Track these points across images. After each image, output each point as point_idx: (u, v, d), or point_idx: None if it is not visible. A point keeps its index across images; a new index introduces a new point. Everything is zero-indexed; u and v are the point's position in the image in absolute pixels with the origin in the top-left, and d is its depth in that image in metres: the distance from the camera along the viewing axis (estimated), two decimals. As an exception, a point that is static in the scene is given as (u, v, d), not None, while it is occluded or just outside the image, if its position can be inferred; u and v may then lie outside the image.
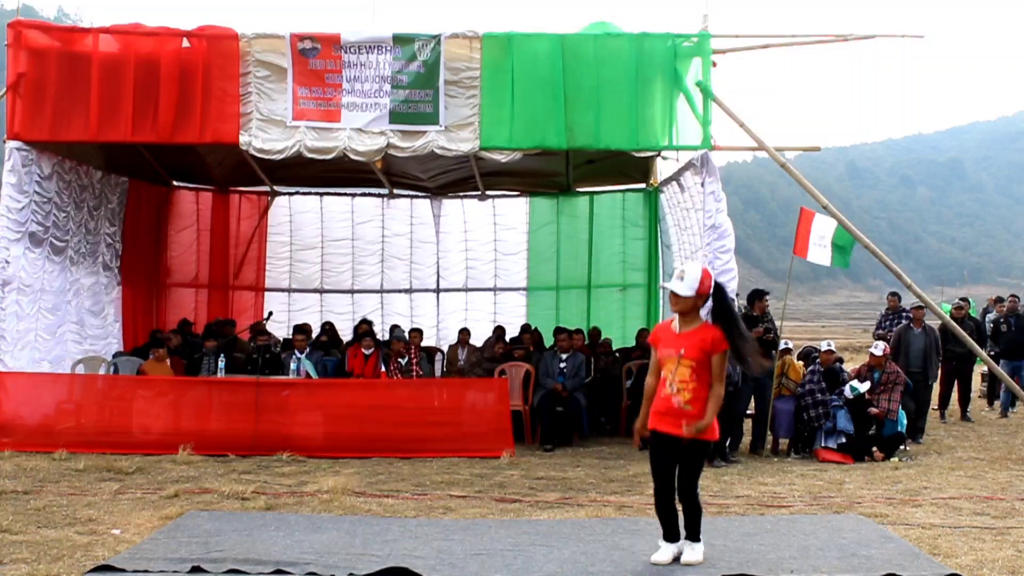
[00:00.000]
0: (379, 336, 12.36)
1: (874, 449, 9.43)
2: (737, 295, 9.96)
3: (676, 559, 5.19)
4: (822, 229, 10.16)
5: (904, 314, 12.62)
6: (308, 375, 10.21)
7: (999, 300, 14.58)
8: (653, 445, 5.15)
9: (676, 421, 5.02)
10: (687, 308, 5.06)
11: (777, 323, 11.15)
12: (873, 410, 9.60)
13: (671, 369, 5.03)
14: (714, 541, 5.75)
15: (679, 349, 5.01)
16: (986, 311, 16.66)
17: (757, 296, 9.84)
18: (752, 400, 10.12)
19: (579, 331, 11.76)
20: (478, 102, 9.62)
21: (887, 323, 12.82)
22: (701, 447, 5.10)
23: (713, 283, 5.07)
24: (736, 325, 5.01)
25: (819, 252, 10.17)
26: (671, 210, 12.06)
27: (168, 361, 10.48)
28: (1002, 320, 13.55)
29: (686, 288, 5.00)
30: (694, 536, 5.22)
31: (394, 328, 12.52)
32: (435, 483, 7.83)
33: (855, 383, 9.76)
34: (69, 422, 9.19)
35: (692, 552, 5.20)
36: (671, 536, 5.23)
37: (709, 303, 5.08)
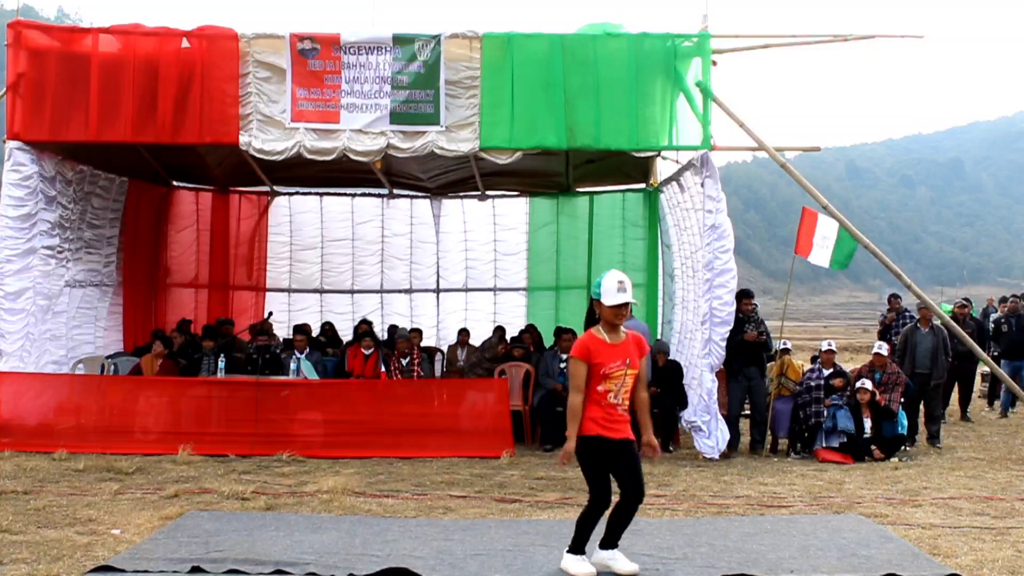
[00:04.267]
0: (378, 336, 12.36)
1: (874, 448, 9.42)
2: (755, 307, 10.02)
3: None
4: (826, 230, 10.15)
5: (907, 314, 12.60)
6: (306, 377, 10.21)
7: (1004, 300, 14.57)
8: (598, 454, 4.94)
9: (625, 427, 5.00)
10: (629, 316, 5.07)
11: (777, 323, 11.17)
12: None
13: (617, 381, 4.95)
14: (714, 541, 5.76)
15: (625, 360, 4.96)
16: (986, 311, 16.66)
17: (743, 296, 9.83)
18: (746, 400, 10.13)
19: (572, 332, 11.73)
20: (478, 102, 9.62)
21: (898, 328, 12.51)
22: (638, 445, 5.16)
23: None
24: None
25: (821, 253, 10.17)
26: (671, 210, 12.05)
27: (159, 362, 10.44)
28: (1003, 320, 13.54)
29: (632, 296, 4.99)
30: (615, 542, 5.11)
31: (393, 329, 12.51)
32: (435, 483, 7.83)
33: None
34: (69, 422, 9.19)
35: (625, 561, 5.06)
36: (584, 549, 5.06)
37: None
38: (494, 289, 14.63)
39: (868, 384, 9.67)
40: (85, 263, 11.15)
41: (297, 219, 14.52)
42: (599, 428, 4.94)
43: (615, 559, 5.06)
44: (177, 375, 10.55)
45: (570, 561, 5.04)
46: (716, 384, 9.61)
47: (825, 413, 9.61)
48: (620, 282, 4.96)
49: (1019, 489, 7.82)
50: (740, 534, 5.97)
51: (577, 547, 5.05)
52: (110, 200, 11.74)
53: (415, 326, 13.11)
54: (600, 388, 4.96)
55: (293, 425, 9.27)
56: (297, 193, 14.45)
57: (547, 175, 13.45)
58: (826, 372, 9.98)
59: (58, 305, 10.45)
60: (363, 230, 14.55)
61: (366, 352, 10.71)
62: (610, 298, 4.93)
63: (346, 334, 13.17)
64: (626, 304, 4.94)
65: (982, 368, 14.31)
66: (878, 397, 9.73)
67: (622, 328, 5.04)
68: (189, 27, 9.77)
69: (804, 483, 8.10)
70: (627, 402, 5.02)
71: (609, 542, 5.10)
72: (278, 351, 11.15)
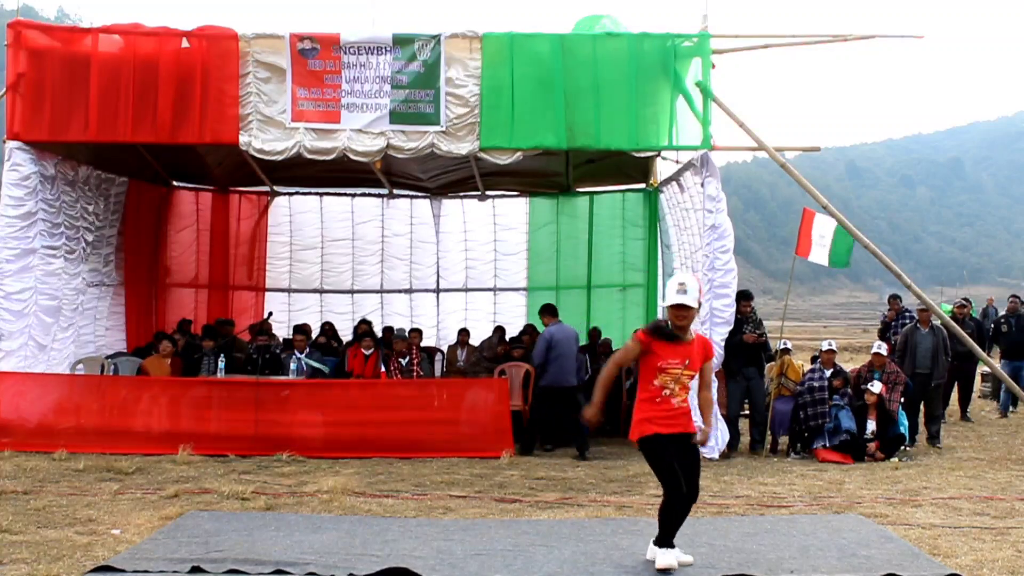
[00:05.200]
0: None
1: (870, 444, 9.41)
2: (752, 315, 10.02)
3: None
4: (822, 229, 10.17)
5: (907, 314, 12.59)
6: (312, 368, 10.21)
7: (1016, 297, 14.54)
8: (663, 450, 5.08)
9: (683, 421, 5.11)
10: (692, 320, 5.10)
11: (777, 323, 11.17)
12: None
13: (673, 377, 5.06)
14: (714, 541, 5.76)
15: (684, 360, 5.06)
16: (986, 311, 16.66)
17: (741, 297, 9.84)
18: (745, 401, 10.14)
19: None
20: (478, 102, 9.63)
21: (898, 328, 12.55)
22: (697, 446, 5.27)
23: None
24: None
25: (819, 252, 10.18)
26: (671, 210, 12.05)
27: (169, 361, 10.49)
28: (1003, 321, 13.54)
29: (692, 300, 4.99)
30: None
31: (388, 330, 12.48)
32: (435, 483, 7.83)
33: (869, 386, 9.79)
34: (69, 422, 9.18)
35: (683, 554, 5.23)
36: (671, 543, 5.19)
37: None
38: (494, 289, 14.63)
39: (877, 387, 9.66)
40: (85, 263, 11.13)
41: (297, 219, 14.51)
42: (655, 427, 5.07)
43: (677, 555, 5.18)
44: (184, 373, 10.59)
45: (656, 553, 5.18)
46: (716, 384, 9.61)
47: (828, 413, 9.61)
48: (681, 283, 5.03)
49: (1019, 489, 7.82)
50: (740, 534, 5.97)
51: (663, 540, 5.18)
52: (110, 200, 11.73)
53: (415, 326, 13.10)
54: (656, 383, 5.08)
55: (293, 425, 9.26)
56: (297, 193, 14.44)
57: (547, 175, 13.45)
58: (827, 372, 9.98)
59: (58, 305, 10.42)
60: (363, 230, 14.55)
61: (366, 352, 10.71)
62: (668, 299, 5.08)
63: (346, 334, 13.18)
64: (683, 306, 4.98)
65: (982, 368, 14.31)
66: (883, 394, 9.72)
67: (692, 330, 5.13)
68: (189, 27, 9.78)
69: (804, 483, 8.10)
70: (684, 398, 5.10)
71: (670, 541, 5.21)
72: (278, 351, 11.15)
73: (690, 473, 5.09)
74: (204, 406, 9.37)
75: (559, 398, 9.70)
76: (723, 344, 9.49)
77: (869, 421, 9.56)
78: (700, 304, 5.11)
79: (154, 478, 7.81)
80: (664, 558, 5.12)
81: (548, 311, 10.40)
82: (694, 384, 5.23)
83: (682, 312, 5.01)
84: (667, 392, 5.07)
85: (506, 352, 11.30)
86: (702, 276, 9.78)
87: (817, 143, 11.34)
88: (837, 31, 10.69)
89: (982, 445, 10.65)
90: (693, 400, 5.25)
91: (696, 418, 5.23)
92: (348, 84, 9.62)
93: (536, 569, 5.14)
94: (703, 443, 5.26)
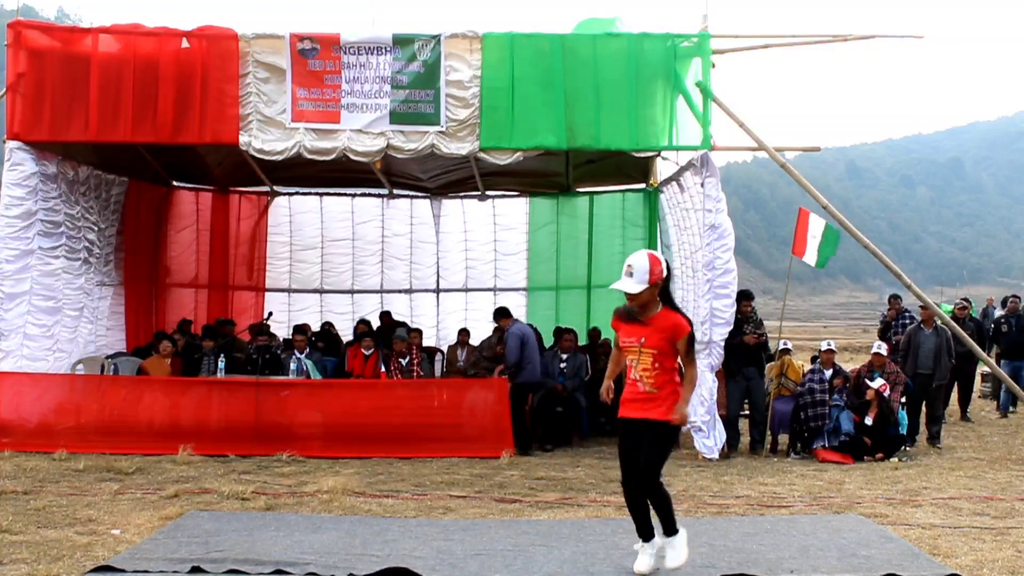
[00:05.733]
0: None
1: (867, 440, 9.41)
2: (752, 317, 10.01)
3: (658, 560, 5.06)
4: (815, 229, 10.20)
5: (907, 314, 12.59)
6: (308, 374, 10.21)
7: (1005, 301, 14.57)
8: (621, 433, 5.10)
9: (643, 406, 4.96)
10: (644, 301, 4.91)
11: (776, 323, 11.17)
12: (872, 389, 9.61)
13: (634, 357, 4.98)
14: (714, 541, 5.76)
15: (639, 338, 4.93)
16: (986, 311, 16.66)
17: (742, 297, 9.84)
18: (745, 401, 10.13)
19: (571, 331, 11.78)
20: (478, 103, 9.62)
21: (898, 328, 12.59)
22: (670, 431, 5.00)
23: (665, 266, 4.92)
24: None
25: (811, 252, 10.22)
26: (671, 210, 12.05)
27: (169, 361, 10.49)
28: (1003, 321, 13.54)
29: (636, 284, 4.83)
30: (670, 528, 5.03)
31: (385, 315, 12.48)
32: (435, 483, 7.83)
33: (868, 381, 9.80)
34: (69, 422, 9.18)
35: (674, 552, 5.01)
36: (645, 534, 5.09)
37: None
38: (494, 289, 14.63)
39: (877, 382, 9.66)
40: (85, 263, 11.10)
41: (297, 219, 14.51)
42: (623, 408, 5.08)
43: (663, 547, 5.08)
44: (184, 373, 10.59)
45: (637, 551, 5.15)
46: (716, 384, 9.61)
47: (828, 414, 9.61)
48: (628, 265, 4.90)
49: (1019, 489, 7.82)
50: (740, 534, 5.97)
51: (638, 532, 5.13)
52: (110, 200, 11.73)
53: (415, 326, 13.10)
54: (626, 364, 5.08)
55: (293, 425, 9.27)
56: (297, 193, 14.44)
57: (547, 175, 13.45)
58: (828, 372, 9.97)
59: (58, 305, 10.42)
60: (363, 230, 14.56)
61: (366, 352, 10.71)
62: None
63: (346, 334, 13.18)
64: (626, 292, 4.88)
65: (982, 368, 14.31)
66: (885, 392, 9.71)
67: (663, 310, 4.93)
68: (189, 27, 9.78)
69: (804, 483, 8.10)
70: (649, 380, 4.94)
71: (645, 535, 5.12)
72: (278, 351, 11.15)
73: (636, 463, 4.95)
74: (204, 406, 9.38)
75: (535, 394, 9.94)
76: (723, 344, 9.50)
77: (867, 417, 9.54)
78: (656, 284, 4.86)
79: (154, 478, 7.81)
80: (638, 561, 5.05)
81: (504, 313, 10.64)
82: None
83: (628, 297, 4.91)
84: (634, 375, 4.99)
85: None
86: (702, 276, 9.78)
87: (817, 143, 11.37)
88: (837, 31, 10.71)
89: (982, 445, 10.65)
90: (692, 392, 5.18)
91: (692, 412, 5.18)
92: (348, 84, 9.62)
93: (536, 569, 5.14)
94: (678, 422, 4.97)
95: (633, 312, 4.99)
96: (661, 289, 4.94)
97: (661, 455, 5.04)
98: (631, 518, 5.12)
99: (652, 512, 5.09)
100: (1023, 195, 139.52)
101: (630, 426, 5.03)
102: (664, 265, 4.92)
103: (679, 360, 5.01)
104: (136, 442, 9.02)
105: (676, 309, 5.02)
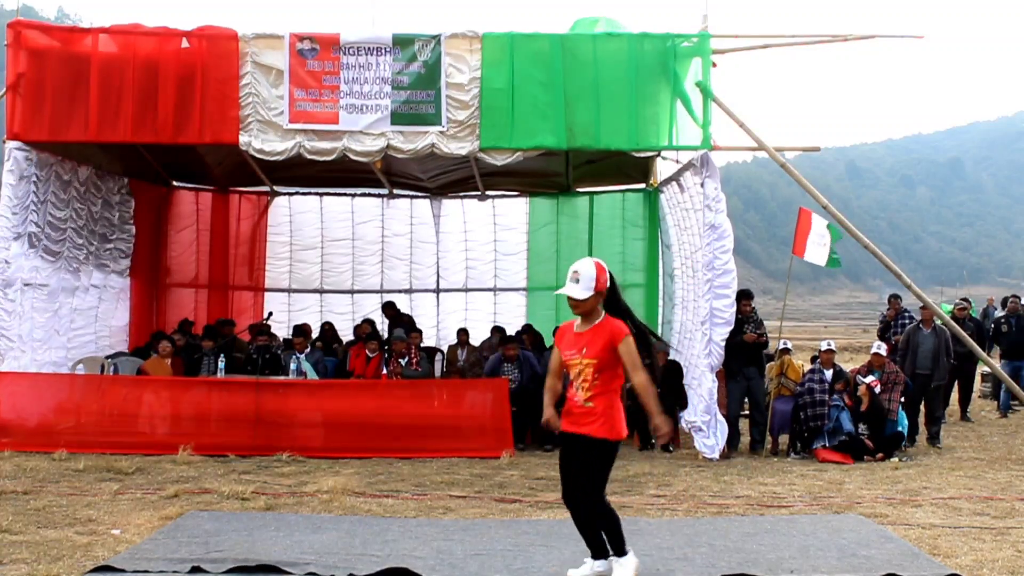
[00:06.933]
0: (380, 336, 12.37)
1: (864, 438, 9.41)
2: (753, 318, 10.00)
3: None
4: (820, 228, 10.20)
5: (907, 314, 12.59)
6: (306, 376, 10.20)
7: (1005, 301, 14.57)
8: (561, 447, 4.90)
9: (579, 420, 4.76)
10: (588, 309, 4.76)
11: (776, 323, 11.16)
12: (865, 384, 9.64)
13: (576, 370, 4.80)
14: (714, 541, 5.76)
15: (580, 349, 4.76)
16: (986, 311, 16.66)
17: (742, 297, 9.85)
18: (745, 401, 10.13)
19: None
20: (478, 103, 9.63)
21: (898, 328, 12.57)
22: (605, 449, 4.74)
23: (609, 275, 4.81)
24: (631, 318, 4.83)
25: (817, 251, 10.19)
26: (671, 210, 12.06)
27: (169, 361, 10.49)
28: (1003, 321, 13.54)
29: (582, 290, 4.70)
30: (619, 549, 4.83)
31: (389, 305, 12.51)
32: (435, 483, 7.83)
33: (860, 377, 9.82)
34: (69, 422, 9.19)
35: (621, 570, 4.79)
36: (598, 553, 4.89)
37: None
38: (494, 289, 14.63)
39: (868, 378, 9.68)
40: (85, 263, 11.13)
41: (297, 219, 14.52)
42: (563, 422, 4.85)
43: (611, 567, 4.86)
44: (184, 373, 10.59)
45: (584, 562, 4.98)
46: (716, 384, 9.61)
47: (828, 414, 9.61)
48: (574, 271, 4.74)
49: (1019, 489, 7.82)
50: (740, 534, 5.98)
51: (590, 551, 4.95)
52: (110, 200, 11.73)
53: (416, 324, 13.10)
54: (570, 375, 4.86)
55: (293, 425, 9.26)
56: (297, 193, 14.45)
57: (547, 175, 13.46)
58: (828, 372, 9.97)
59: (58, 305, 10.43)
60: (363, 230, 14.56)
61: (370, 354, 10.71)
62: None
63: (346, 334, 13.18)
64: (570, 297, 4.72)
65: (982, 368, 14.31)
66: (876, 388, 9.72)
67: (606, 318, 4.76)
68: (189, 27, 9.78)
69: (804, 483, 8.11)
70: (586, 392, 4.74)
71: (595, 552, 4.93)
72: (278, 351, 11.15)
73: (563, 474, 4.83)
74: (204, 406, 9.38)
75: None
76: (723, 344, 9.50)
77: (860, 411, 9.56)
78: (600, 292, 4.72)
79: (154, 478, 7.81)
80: (578, 570, 4.93)
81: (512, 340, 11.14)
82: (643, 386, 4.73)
83: (571, 303, 4.75)
84: (575, 388, 4.82)
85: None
86: (702, 276, 9.78)
87: (817, 143, 11.35)
88: (837, 31, 10.73)
89: (982, 445, 10.65)
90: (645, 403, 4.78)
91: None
92: (347, 85, 9.61)
93: (536, 569, 5.14)
94: (663, 437, 4.79)
95: (575, 323, 4.87)
96: (607, 299, 4.81)
97: (595, 472, 4.77)
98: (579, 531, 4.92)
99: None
100: (1023, 195, 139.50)
101: (568, 441, 4.85)
102: (608, 275, 4.80)
103: (625, 373, 4.75)
104: (136, 442, 9.03)
105: (621, 318, 4.81)
